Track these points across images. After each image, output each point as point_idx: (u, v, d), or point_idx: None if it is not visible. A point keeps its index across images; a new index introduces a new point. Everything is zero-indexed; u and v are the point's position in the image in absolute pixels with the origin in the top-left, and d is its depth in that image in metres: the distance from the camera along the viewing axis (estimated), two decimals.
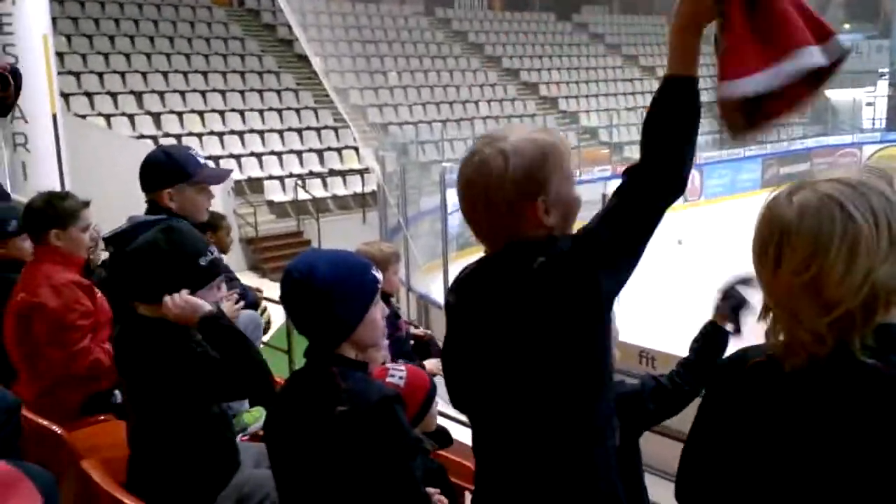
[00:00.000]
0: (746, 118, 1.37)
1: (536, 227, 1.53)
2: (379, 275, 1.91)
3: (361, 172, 16.41)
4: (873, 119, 27.29)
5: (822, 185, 1.15)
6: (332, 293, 1.80)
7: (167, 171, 2.83)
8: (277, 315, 4.13)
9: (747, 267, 1.30)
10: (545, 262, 1.48)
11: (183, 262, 2.20)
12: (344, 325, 1.84)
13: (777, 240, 1.15)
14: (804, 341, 1.15)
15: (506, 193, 1.51)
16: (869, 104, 27.66)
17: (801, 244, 1.12)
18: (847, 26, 30.93)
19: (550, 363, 1.50)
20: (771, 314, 1.21)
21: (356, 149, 16.48)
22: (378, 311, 1.91)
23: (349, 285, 1.84)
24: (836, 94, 27.00)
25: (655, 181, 1.46)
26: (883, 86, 27.10)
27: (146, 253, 2.20)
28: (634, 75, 26.25)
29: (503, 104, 22.19)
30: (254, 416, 3.13)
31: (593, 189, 16.28)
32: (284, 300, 1.87)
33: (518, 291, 1.51)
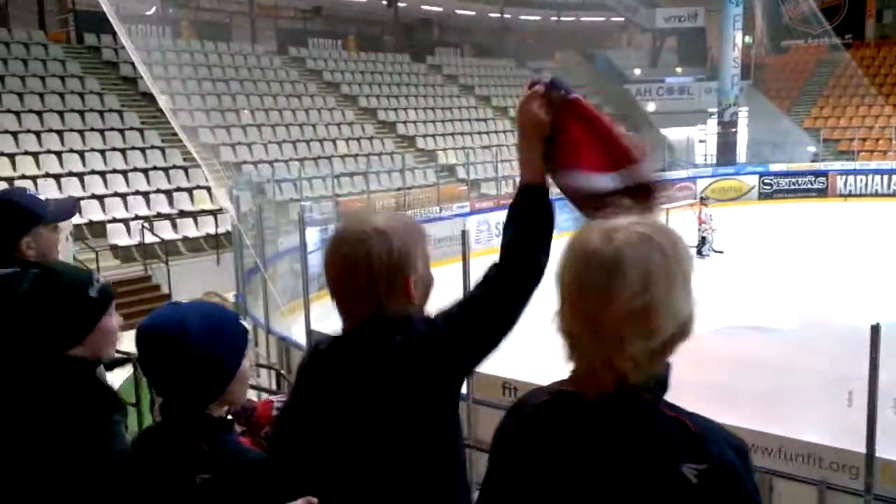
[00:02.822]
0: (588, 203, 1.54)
1: (406, 302, 1.60)
2: (248, 325, 1.83)
3: (214, 213, 15.79)
4: (705, 155, 29.45)
5: (633, 226, 1.22)
6: (206, 350, 1.67)
7: (20, 217, 2.66)
8: None
9: None
10: (403, 342, 1.56)
11: (74, 299, 1.99)
12: (218, 384, 1.72)
13: (607, 274, 1.18)
14: (622, 368, 1.18)
15: (387, 270, 1.57)
16: (701, 141, 29.87)
17: (634, 276, 1.17)
18: (679, 69, 33.48)
19: (406, 437, 1.56)
20: (578, 349, 1.23)
21: (208, 189, 15.87)
22: (247, 363, 1.81)
23: (224, 341, 1.73)
24: (671, 133, 28.99)
25: (515, 280, 1.61)
26: (713, 124, 29.32)
27: (33, 301, 1.97)
28: (488, 115, 26.98)
29: (361, 142, 22.17)
30: None
31: (453, 225, 16.58)
32: (148, 360, 1.71)
33: (378, 367, 1.56)
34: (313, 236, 10.56)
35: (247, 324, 1.82)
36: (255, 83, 22.26)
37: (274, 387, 8.05)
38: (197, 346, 1.66)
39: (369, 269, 1.56)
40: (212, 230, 15.72)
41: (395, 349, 1.55)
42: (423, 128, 24.52)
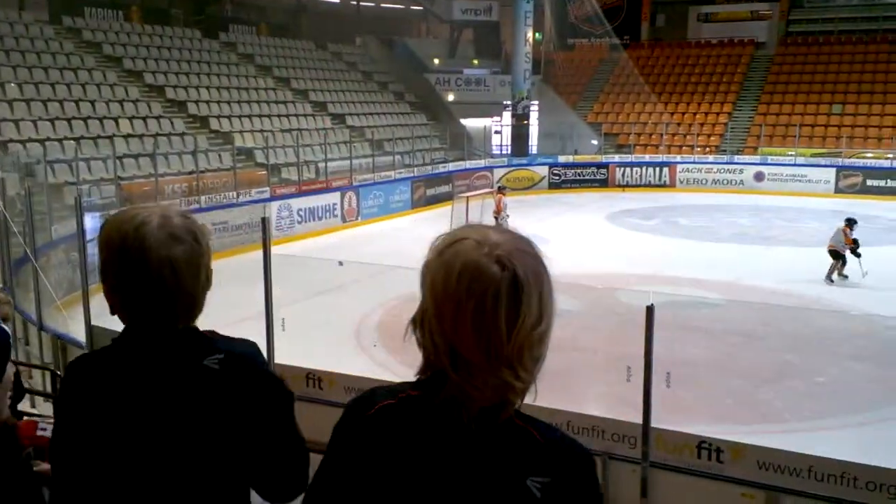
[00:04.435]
0: None
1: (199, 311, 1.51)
2: (7, 327, 1.60)
3: None
4: (501, 145, 30.72)
5: (515, 242, 1.13)
6: None
7: None
8: None
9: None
10: (224, 360, 1.45)
11: None
12: None
13: (508, 294, 1.10)
14: (511, 392, 1.12)
15: (207, 274, 1.47)
16: (497, 132, 31.10)
17: (533, 297, 1.11)
18: (476, 62, 34.60)
19: (220, 458, 1.46)
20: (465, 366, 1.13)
21: None
22: (11, 370, 1.70)
23: None
24: (470, 123, 29.95)
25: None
26: (507, 116, 30.64)
27: None
28: (287, 98, 26.23)
29: (148, 122, 20.68)
30: None
31: (252, 211, 15.97)
32: None
33: (194, 386, 1.43)
34: (93, 222, 9.72)
35: (7, 327, 1.61)
36: (24, 54, 20.04)
37: (49, 389, 7.33)
38: None
39: (201, 270, 1.44)
40: None
41: (213, 369, 1.43)
42: (217, 108, 23.37)
